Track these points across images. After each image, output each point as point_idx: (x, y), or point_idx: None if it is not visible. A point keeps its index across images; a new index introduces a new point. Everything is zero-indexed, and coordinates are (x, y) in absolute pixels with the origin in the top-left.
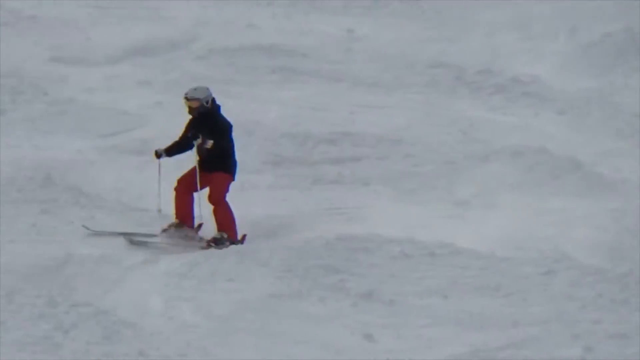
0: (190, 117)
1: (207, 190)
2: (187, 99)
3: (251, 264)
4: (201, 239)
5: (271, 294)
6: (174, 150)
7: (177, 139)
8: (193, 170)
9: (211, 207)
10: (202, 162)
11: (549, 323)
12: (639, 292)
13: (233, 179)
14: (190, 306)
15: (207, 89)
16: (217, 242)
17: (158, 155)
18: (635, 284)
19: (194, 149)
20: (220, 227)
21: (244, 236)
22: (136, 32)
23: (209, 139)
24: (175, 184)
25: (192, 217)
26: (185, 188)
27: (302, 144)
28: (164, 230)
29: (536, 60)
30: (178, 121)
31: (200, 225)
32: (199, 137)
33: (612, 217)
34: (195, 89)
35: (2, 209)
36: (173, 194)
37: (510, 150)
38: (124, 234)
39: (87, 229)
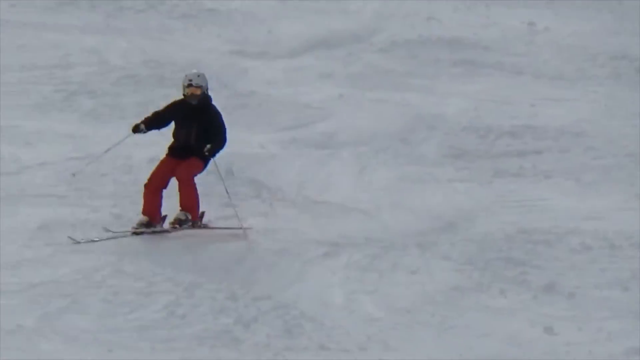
0: (172, 100)
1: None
2: (191, 85)
3: (432, 256)
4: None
5: (452, 287)
6: (153, 126)
7: (156, 113)
8: (165, 163)
9: (178, 183)
10: (177, 150)
11: None
12: None
13: (204, 168)
14: (372, 299)
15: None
16: (180, 223)
17: (138, 130)
18: None
19: (179, 139)
20: (184, 207)
21: (202, 213)
22: (318, 25)
23: (205, 131)
24: (146, 180)
25: (160, 213)
26: (157, 185)
27: (483, 137)
28: (136, 233)
29: None
30: (360, 114)
31: (164, 218)
32: (193, 129)
33: None
34: (199, 75)
35: None
36: (143, 190)
37: None
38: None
39: (73, 240)
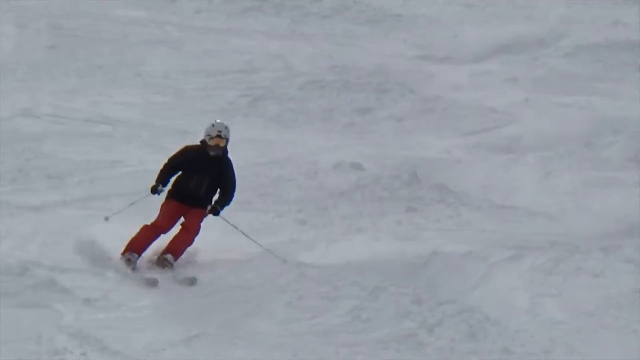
0: (186, 147)
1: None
2: (219, 136)
3: (616, 259)
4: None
5: (636, 290)
6: (168, 180)
7: (168, 166)
8: (175, 209)
9: (181, 230)
10: (186, 197)
11: None
12: None
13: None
14: (556, 302)
15: None
16: (164, 266)
17: (157, 191)
18: None
19: (188, 187)
20: (174, 251)
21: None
22: (503, 30)
23: (218, 183)
24: (153, 221)
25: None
26: (163, 229)
27: None
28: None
29: None
30: (546, 119)
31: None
32: (205, 180)
33: None
34: (226, 127)
35: (368, 207)
36: (145, 229)
37: None
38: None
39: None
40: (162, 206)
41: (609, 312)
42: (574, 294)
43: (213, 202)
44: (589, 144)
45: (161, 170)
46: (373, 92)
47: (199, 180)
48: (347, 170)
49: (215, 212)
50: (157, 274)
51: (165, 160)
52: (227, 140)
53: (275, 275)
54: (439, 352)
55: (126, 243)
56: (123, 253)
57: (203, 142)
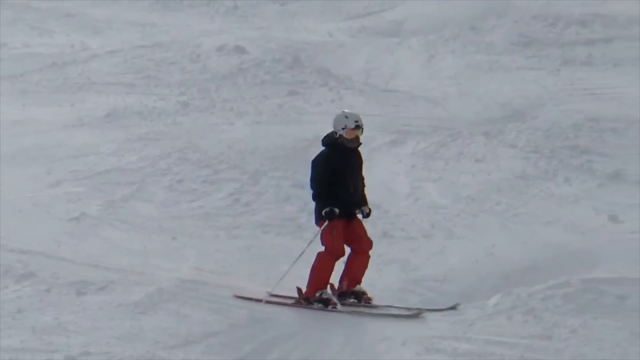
0: (324, 155)
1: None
2: (359, 127)
3: (498, 144)
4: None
5: (518, 175)
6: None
7: (329, 184)
8: (339, 229)
9: (359, 255)
10: (350, 206)
11: None
12: None
13: None
14: (437, 187)
15: None
16: (368, 301)
17: (335, 214)
18: None
19: (348, 191)
20: (359, 280)
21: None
22: None
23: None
24: (332, 250)
25: None
26: (340, 255)
27: (552, 25)
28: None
29: None
30: (431, 2)
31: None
32: (359, 176)
33: None
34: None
35: (250, 90)
36: (327, 262)
37: None
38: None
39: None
40: (330, 230)
41: (490, 196)
42: (455, 178)
43: (359, 205)
44: (473, 27)
45: (324, 194)
46: None
47: (354, 181)
48: (230, 54)
49: (368, 215)
50: None
51: (317, 184)
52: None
53: (156, 159)
54: (318, 235)
55: (310, 283)
56: (311, 295)
57: (332, 137)
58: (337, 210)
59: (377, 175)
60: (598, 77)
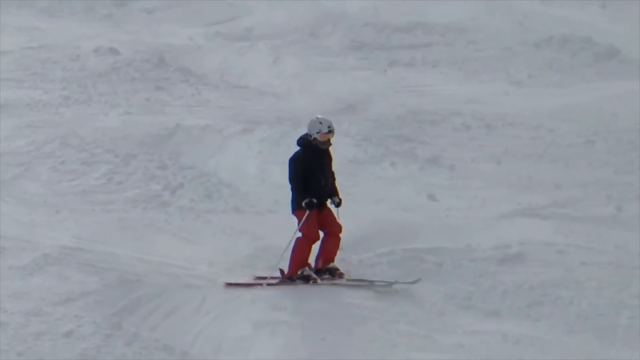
0: (299, 155)
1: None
2: (331, 131)
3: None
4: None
5: (350, 159)
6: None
7: (305, 178)
8: (314, 217)
9: (330, 238)
10: (321, 198)
11: (587, 186)
12: None
13: None
14: (280, 169)
15: None
16: (341, 276)
17: (313, 204)
18: None
19: (320, 186)
20: (333, 259)
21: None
22: None
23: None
24: (305, 236)
25: None
26: (314, 242)
27: (380, 31)
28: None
29: None
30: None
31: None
32: (329, 172)
33: None
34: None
35: (122, 86)
36: (304, 245)
37: (558, 39)
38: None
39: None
40: (306, 218)
41: None
42: None
43: (330, 196)
44: (313, 34)
45: (301, 188)
46: None
47: (325, 176)
48: (105, 55)
49: (339, 205)
50: None
51: (294, 179)
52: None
53: (42, 143)
54: (180, 210)
55: (292, 264)
56: (294, 273)
57: (306, 139)
58: (314, 200)
59: (230, 159)
60: (419, 77)
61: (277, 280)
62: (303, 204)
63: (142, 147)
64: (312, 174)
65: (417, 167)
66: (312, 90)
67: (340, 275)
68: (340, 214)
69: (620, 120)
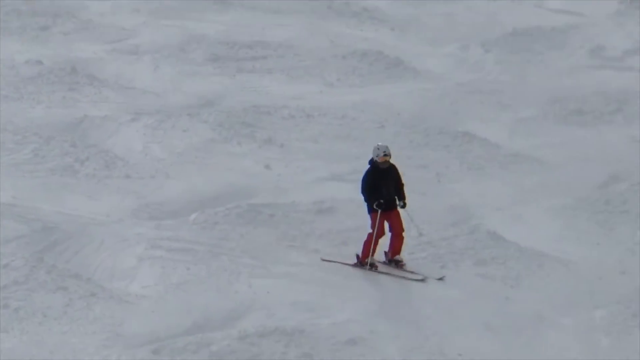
0: (370, 172)
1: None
2: (386, 154)
3: (197, 121)
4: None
5: (209, 140)
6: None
7: (373, 187)
8: (380, 217)
9: (396, 236)
10: (385, 203)
11: None
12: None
13: None
14: (159, 147)
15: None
16: (403, 266)
17: (381, 205)
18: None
19: (384, 195)
20: (399, 252)
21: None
22: None
23: (396, 185)
24: (374, 232)
25: None
26: (381, 235)
27: (232, 47)
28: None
29: None
30: (158, 34)
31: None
32: (391, 186)
33: (420, 92)
34: (387, 147)
35: (45, 88)
36: (373, 239)
37: (360, 52)
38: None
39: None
40: (374, 218)
41: (193, 153)
42: (171, 142)
43: (399, 201)
44: (182, 49)
45: (369, 194)
46: (50, 17)
47: (386, 188)
48: (33, 64)
49: (404, 207)
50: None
51: (364, 190)
52: (390, 155)
53: None
54: (86, 177)
55: (363, 252)
56: (363, 261)
57: (372, 160)
58: (382, 201)
59: (122, 140)
60: (258, 80)
61: (354, 263)
62: (374, 206)
63: (59, 132)
64: (375, 186)
65: (256, 146)
66: (182, 90)
67: (402, 266)
68: (205, 178)
69: (404, 111)
